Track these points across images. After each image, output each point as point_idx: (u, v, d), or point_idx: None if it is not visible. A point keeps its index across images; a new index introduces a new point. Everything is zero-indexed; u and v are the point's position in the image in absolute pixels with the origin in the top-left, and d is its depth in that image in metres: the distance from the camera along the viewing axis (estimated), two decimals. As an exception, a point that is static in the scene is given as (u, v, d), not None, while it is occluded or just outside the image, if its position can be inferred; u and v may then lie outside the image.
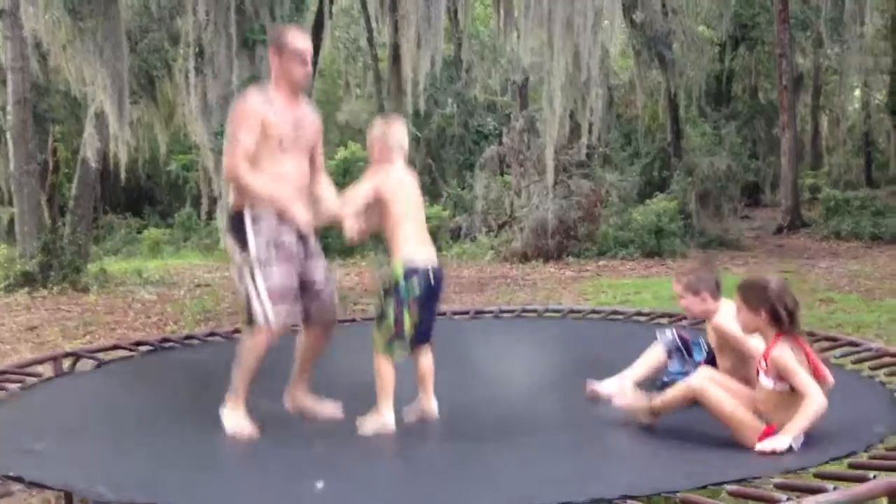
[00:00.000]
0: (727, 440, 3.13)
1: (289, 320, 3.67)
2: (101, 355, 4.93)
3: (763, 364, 3.23)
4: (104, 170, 15.35)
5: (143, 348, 5.12)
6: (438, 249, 16.26)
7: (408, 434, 3.52)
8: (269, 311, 3.55)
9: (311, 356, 3.86)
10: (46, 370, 4.74)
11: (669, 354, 4.00)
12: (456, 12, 18.38)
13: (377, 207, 3.67)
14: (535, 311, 6.05)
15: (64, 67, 12.43)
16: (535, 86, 20.87)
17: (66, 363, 4.72)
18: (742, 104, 25.48)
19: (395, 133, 3.74)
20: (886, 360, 4.17)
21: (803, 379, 3.10)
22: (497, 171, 17.54)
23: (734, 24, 22.42)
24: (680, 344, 4.01)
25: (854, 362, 4.26)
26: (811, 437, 3.10)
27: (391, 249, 3.62)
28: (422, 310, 3.59)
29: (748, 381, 3.37)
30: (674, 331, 4.10)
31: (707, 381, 3.30)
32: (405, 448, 3.46)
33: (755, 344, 3.38)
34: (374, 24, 18.08)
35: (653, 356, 4.00)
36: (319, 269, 3.81)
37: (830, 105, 28.89)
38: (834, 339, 4.65)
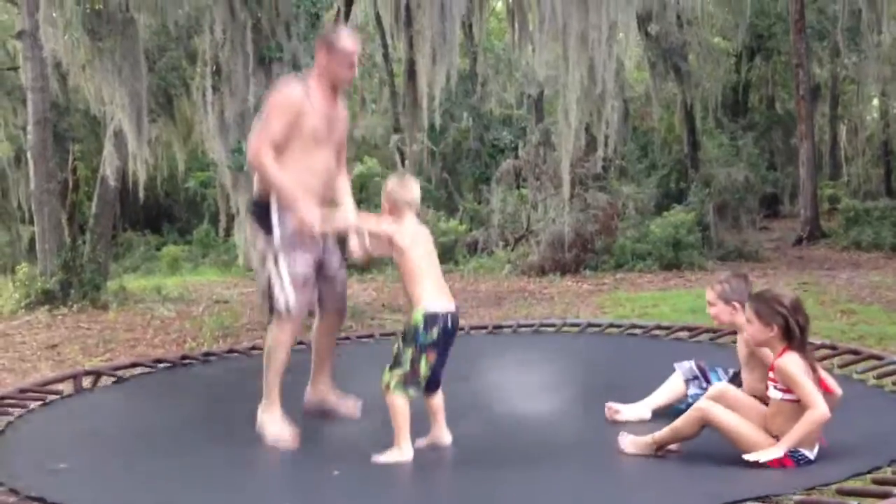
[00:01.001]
0: (742, 459, 3.10)
1: (307, 308, 3.75)
2: (120, 373, 4.95)
3: (772, 375, 3.21)
4: (123, 188, 15.48)
5: (162, 365, 5.13)
6: (455, 264, 16.07)
7: (425, 460, 3.50)
8: (290, 299, 3.60)
9: (327, 344, 3.91)
10: (67, 388, 4.76)
11: (687, 384, 4.00)
12: (471, 27, 18.39)
13: (393, 254, 3.67)
14: (553, 325, 6.01)
15: (83, 87, 12.54)
16: (550, 99, 20.86)
17: (87, 381, 4.73)
18: (759, 115, 25.35)
19: (408, 190, 3.70)
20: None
21: (807, 387, 3.08)
22: (513, 184, 17.51)
23: (750, 34, 22.32)
24: (698, 373, 4.02)
25: (877, 377, 4.20)
26: (832, 452, 3.06)
27: (412, 300, 3.63)
28: (437, 356, 3.62)
29: None
30: (692, 362, 4.10)
31: (712, 402, 3.29)
32: (422, 473, 3.45)
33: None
34: (389, 41, 18.17)
35: (671, 386, 4.03)
36: (335, 257, 3.92)
37: (848, 115, 28.69)
38: (856, 353, 4.59)
